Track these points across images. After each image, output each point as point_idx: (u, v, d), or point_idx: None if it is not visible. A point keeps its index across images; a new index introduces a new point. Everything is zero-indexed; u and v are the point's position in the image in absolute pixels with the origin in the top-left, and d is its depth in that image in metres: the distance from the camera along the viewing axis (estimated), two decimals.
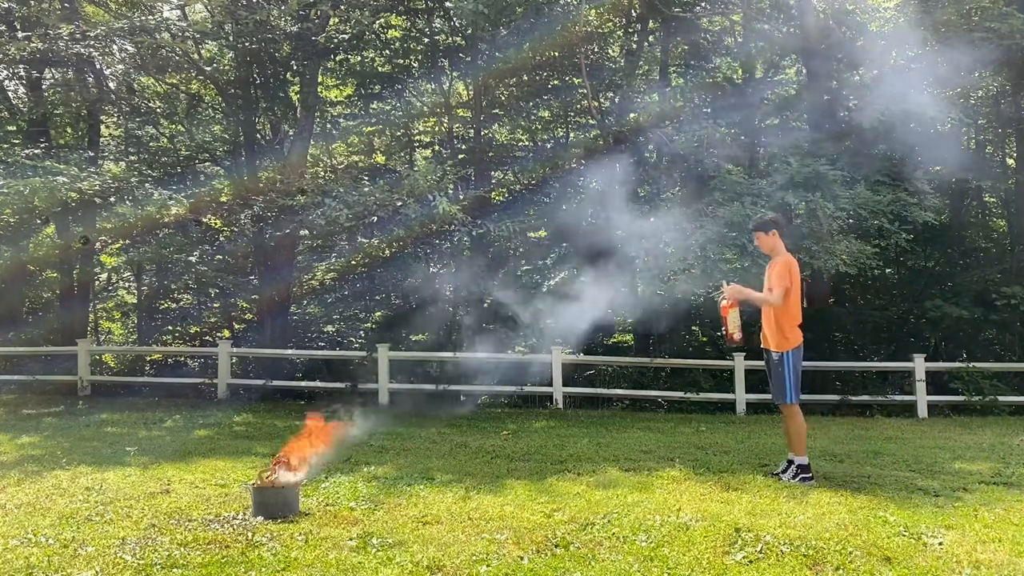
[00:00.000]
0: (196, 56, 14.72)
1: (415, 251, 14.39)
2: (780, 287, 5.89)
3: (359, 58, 15.71)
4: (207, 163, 16.27)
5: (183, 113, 15.38)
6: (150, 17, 13.43)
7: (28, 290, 16.45)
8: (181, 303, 17.91)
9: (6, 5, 13.43)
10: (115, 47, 13.62)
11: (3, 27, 13.65)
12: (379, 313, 16.79)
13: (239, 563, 4.04)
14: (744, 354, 11.75)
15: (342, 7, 13.54)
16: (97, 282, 17.57)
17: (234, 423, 9.70)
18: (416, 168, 15.02)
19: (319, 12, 13.44)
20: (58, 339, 14.45)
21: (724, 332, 6.26)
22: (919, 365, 11.47)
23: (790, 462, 6.14)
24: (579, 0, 13.63)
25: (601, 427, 9.58)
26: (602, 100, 15.94)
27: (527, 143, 17.51)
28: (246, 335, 16.47)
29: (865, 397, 11.92)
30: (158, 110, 15.51)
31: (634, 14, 15.28)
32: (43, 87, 15.13)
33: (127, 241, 16.04)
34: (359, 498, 5.39)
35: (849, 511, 5.01)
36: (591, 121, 15.63)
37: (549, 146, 17.15)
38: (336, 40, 14.26)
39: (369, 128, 16.76)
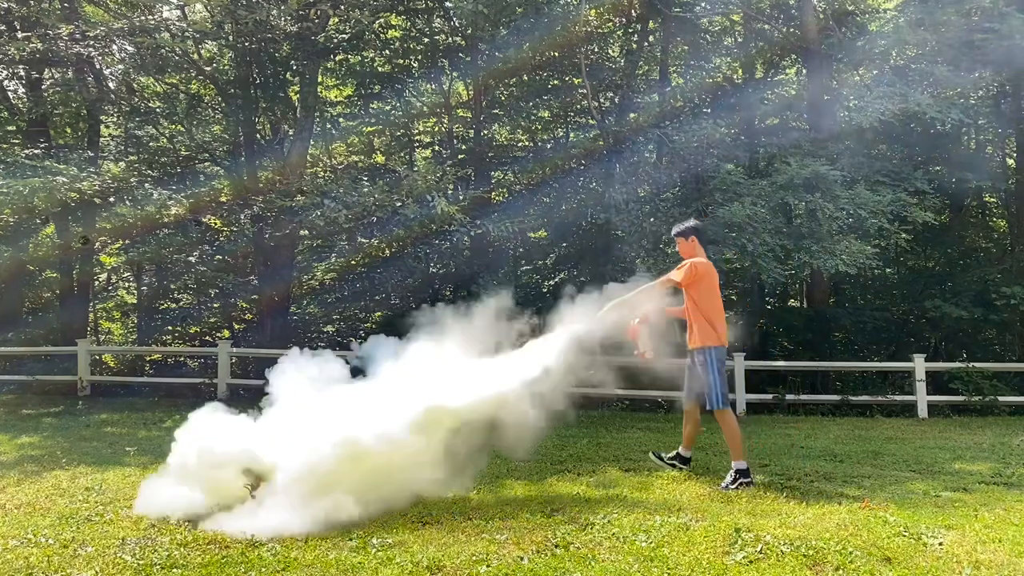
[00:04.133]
0: (196, 56, 14.70)
1: (414, 251, 14.37)
2: (677, 272, 5.83)
3: (359, 58, 15.68)
4: (207, 163, 16.24)
5: (183, 113, 15.35)
6: (150, 17, 13.41)
7: (28, 290, 16.44)
8: (181, 303, 17.88)
9: (6, 5, 13.40)
10: (115, 47, 13.60)
11: (3, 27, 13.63)
12: (379, 313, 16.77)
13: (239, 563, 4.04)
14: (744, 354, 11.75)
15: (342, 7, 13.52)
16: (97, 282, 17.55)
17: None
18: (416, 168, 15.00)
19: (319, 12, 13.43)
20: (58, 339, 14.45)
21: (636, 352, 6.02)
22: (919, 365, 11.47)
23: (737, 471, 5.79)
24: (579, 0, 13.62)
25: (601, 427, 9.58)
26: (602, 100, 15.92)
27: (527, 143, 17.48)
28: (246, 335, 16.46)
29: (865, 397, 11.91)
30: (158, 110, 15.47)
31: (634, 14, 15.25)
32: (43, 87, 15.09)
33: (127, 241, 16.01)
34: None
35: (849, 511, 5.01)
36: (591, 121, 15.62)
37: (549, 146, 17.12)
38: (336, 40, 14.24)
39: (369, 128, 16.73)
